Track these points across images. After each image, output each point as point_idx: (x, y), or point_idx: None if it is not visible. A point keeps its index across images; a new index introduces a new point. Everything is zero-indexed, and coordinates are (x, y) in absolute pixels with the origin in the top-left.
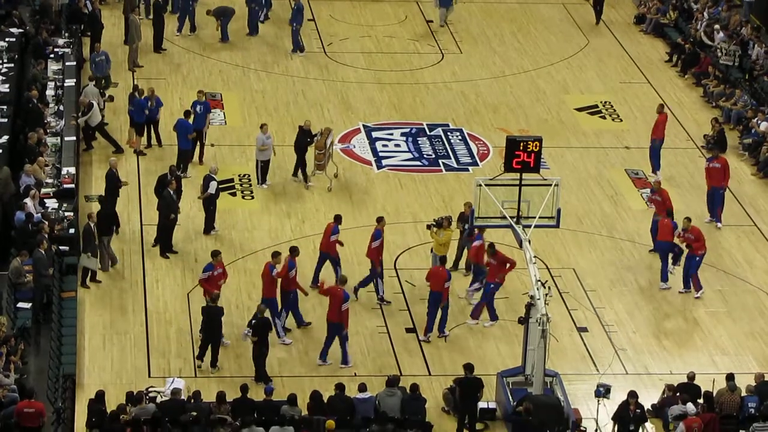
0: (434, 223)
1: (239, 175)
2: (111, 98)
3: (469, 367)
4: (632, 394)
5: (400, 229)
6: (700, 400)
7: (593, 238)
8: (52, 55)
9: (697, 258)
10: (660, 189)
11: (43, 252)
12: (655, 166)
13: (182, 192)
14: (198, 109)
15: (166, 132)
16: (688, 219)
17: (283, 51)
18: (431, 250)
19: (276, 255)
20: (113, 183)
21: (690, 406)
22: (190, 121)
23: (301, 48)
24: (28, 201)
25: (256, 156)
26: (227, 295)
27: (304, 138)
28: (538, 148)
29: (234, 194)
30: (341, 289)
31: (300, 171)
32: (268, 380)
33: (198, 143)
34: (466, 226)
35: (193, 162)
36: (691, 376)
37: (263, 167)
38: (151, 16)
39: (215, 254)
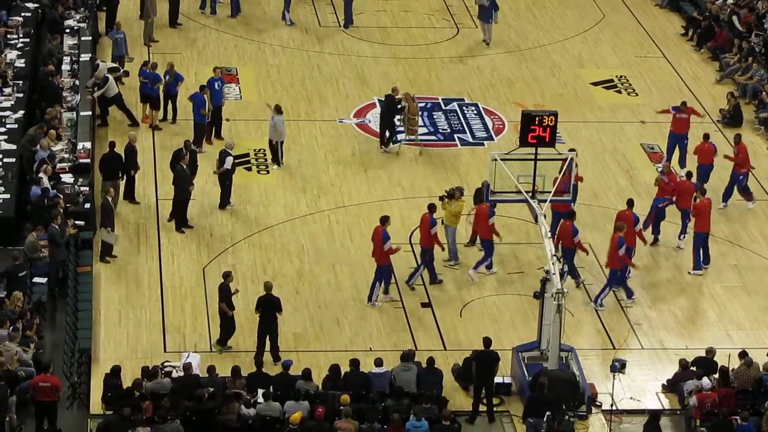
0: (446, 194)
1: (255, 150)
2: (126, 73)
3: (486, 341)
4: None
5: (415, 203)
6: (716, 375)
7: (609, 213)
8: (67, 30)
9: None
10: (669, 172)
11: (58, 227)
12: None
13: (197, 166)
14: (216, 85)
15: (182, 106)
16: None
17: (298, 26)
18: (442, 222)
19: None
20: (132, 157)
21: (705, 381)
22: (206, 96)
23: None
24: (43, 176)
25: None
26: (242, 270)
27: (393, 105)
28: (553, 122)
29: (249, 169)
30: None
31: (386, 138)
32: (277, 358)
33: (215, 119)
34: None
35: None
36: (710, 351)
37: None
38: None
39: (386, 219)
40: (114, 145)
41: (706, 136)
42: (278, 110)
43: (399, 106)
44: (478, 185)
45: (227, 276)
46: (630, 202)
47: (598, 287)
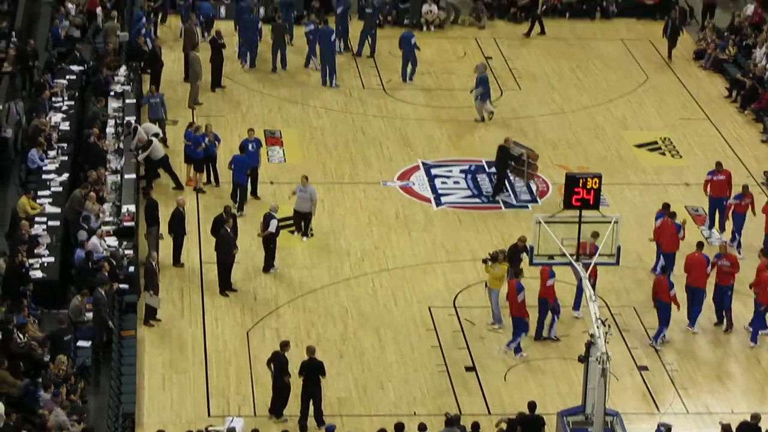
0: (489, 257)
1: None
2: (164, 140)
3: (531, 405)
4: None
5: (459, 266)
6: None
7: (653, 276)
8: (112, 93)
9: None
10: (728, 253)
11: (104, 292)
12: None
13: (237, 230)
14: (250, 146)
15: (223, 168)
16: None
17: (342, 88)
18: (486, 285)
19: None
20: (178, 221)
21: None
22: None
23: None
24: (93, 239)
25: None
26: (286, 334)
27: (506, 156)
28: (597, 185)
29: (293, 232)
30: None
31: (503, 188)
32: (320, 422)
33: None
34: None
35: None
36: (755, 417)
37: (297, 218)
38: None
39: (520, 272)
40: (149, 192)
41: (719, 165)
42: (307, 179)
43: (511, 157)
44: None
45: (285, 345)
46: (700, 245)
47: (642, 350)
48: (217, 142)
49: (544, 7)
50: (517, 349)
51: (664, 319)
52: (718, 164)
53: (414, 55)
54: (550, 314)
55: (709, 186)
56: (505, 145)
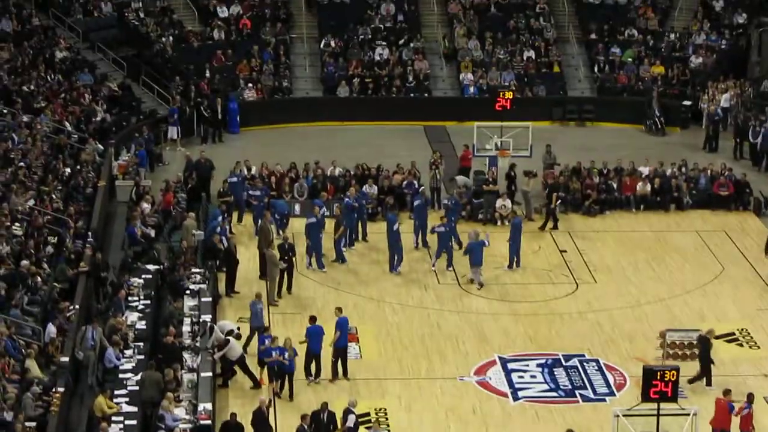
0: None
1: (376, 409)
2: (238, 336)
3: None
4: None
5: None
6: None
7: None
8: (188, 292)
9: None
10: None
11: None
12: None
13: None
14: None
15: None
16: None
17: (417, 283)
18: None
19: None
20: (261, 422)
21: None
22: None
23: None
24: None
25: None
26: None
27: (709, 347)
28: (675, 377)
29: (369, 428)
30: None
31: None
32: None
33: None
34: None
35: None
36: None
37: None
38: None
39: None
40: (235, 415)
41: None
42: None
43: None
44: None
45: None
46: None
47: None
48: (296, 356)
49: (559, 201)
50: None
51: None
52: None
53: (519, 240)
54: None
55: None
56: (707, 336)
